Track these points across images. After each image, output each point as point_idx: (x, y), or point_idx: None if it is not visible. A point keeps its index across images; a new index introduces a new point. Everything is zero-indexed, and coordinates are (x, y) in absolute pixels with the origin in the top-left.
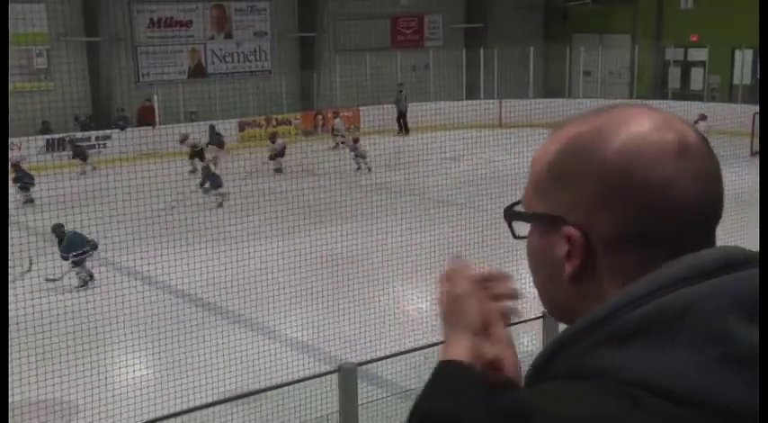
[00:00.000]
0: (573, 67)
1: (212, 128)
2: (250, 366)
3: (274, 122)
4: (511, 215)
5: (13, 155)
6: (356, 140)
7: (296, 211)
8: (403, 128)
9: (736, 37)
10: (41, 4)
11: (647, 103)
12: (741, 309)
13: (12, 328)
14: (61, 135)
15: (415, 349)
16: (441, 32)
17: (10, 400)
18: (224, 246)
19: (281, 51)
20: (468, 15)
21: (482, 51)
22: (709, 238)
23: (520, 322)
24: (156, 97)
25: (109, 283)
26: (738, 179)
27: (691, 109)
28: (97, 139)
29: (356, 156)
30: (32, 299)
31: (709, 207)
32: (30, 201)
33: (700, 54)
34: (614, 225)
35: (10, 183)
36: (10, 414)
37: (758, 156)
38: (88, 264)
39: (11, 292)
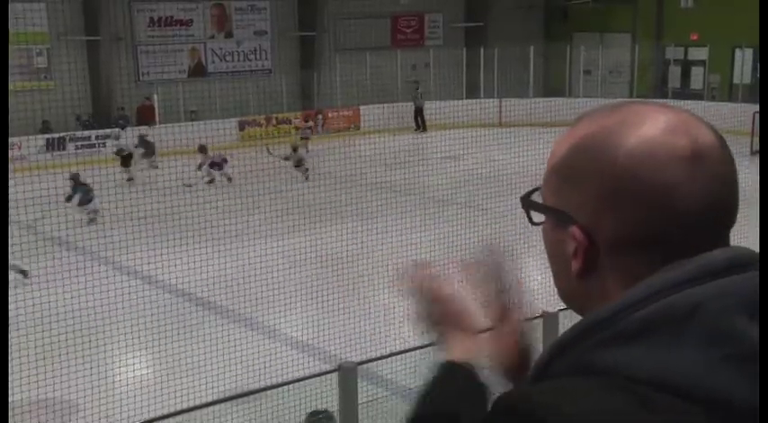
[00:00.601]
0: (573, 66)
1: (141, 137)
2: (250, 365)
3: (274, 121)
4: (528, 203)
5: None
6: (295, 149)
7: (296, 210)
8: (421, 125)
9: (737, 36)
10: (41, 4)
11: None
12: (746, 308)
13: (11, 327)
14: (61, 134)
15: (416, 348)
16: (441, 31)
17: (9, 399)
18: (223, 245)
19: (282, 50)
20: (469, 14)
21: (482, 50)
22: (719, 242)
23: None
24: (156, 96)
25: (108, 282)
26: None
27: (690, 108)
28: (97, 138)
29: (297, 165)
30: (32, 298)
31: (721, 211)
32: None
33: (700, 53)
34: (620, 227)
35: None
36: (9, 414)
37: (758, 155)
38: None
39: (10, 291)
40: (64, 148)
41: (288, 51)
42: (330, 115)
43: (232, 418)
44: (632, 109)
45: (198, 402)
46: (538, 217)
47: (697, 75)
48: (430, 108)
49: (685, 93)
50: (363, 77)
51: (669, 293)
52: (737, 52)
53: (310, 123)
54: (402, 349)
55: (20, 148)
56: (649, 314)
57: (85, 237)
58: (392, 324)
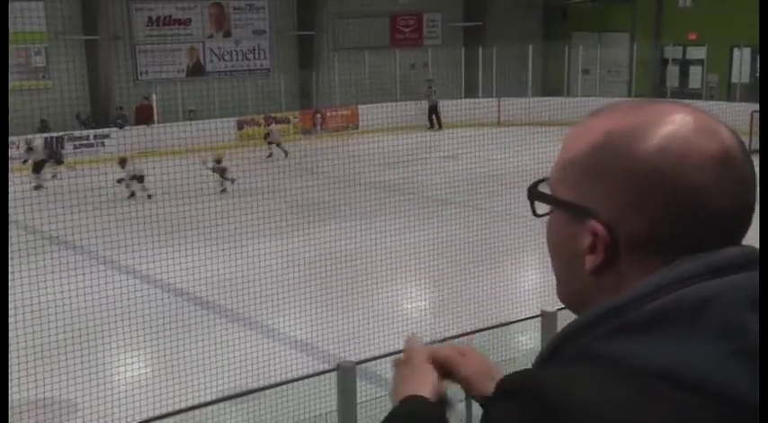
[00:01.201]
0: (572, 65)
1: (47, 140)
2: (248, 365)
3: (273, 121)
4: (536, 195)
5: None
6: (219, 161)
7: (294, 210)
8: (436, 123)
9: (735, 35)
10: (40, 3)
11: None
12: (754, 305)
13: (10, 326)
14: (60, 133)
15: None
16: (439, 31)
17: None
18: (222, 244)
19: (280, 50)
20: (467, 14)
21: (481, 50)
22: (735, 241)
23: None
24: (154, 96)
25: (107, 282)
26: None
27: None
28: (96, 137)
29: (221, 176)
30: (30, 297)
31: (743, 215)
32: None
33: (698, 52)
34: (647, 226)
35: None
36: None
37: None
38: None
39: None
40: (62, 148)
41: (286, 51)
42: (329, 114)
43: (230, 418)
44: (658, 108)
45: (196, 402)
46: (542, 209)
47: (695, 74)
48: (425, 108)
49: (684, 92)
50: (362, 77)
51: (681, 286)
52: (736, 52)
53: (272, 127)
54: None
55: (18, 147)
56: (660, 306)
57: (84, 236)
58: (391, 323)
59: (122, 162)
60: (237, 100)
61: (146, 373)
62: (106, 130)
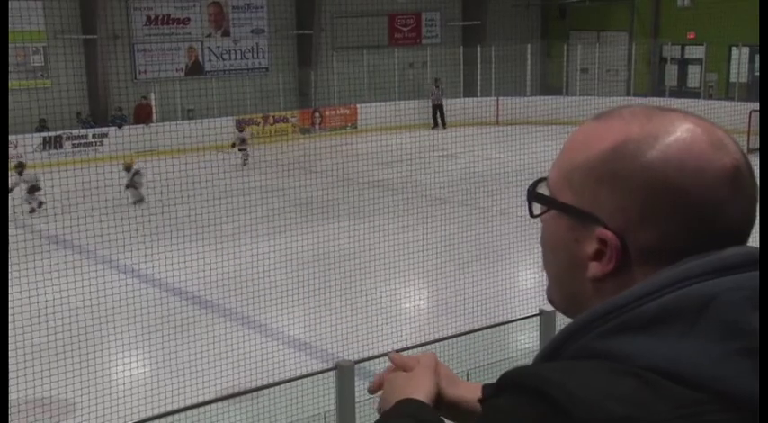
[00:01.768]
0: (570, 64)
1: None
2: (247, 364)
3: (271, 120)
4: (536, 197)
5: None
6: (128, 168)
7: (292, 209)
8: (440, 122)
9: (733, 34)
10: (38, 2)
11: (645, 100)
12: (756, 304)
13: (9, 325)
14: (58, 132)
15: (412, 347)
16: (438, 30)
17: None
18: (220, 243)
19: (279, 49)
20: (466, 13)
21: (479, 49)
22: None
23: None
24: (153, 95)
25: (105, 281)
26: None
27: (688, 106)
28: (94, 136)
29: (129, 185)
30: (29, 297)
31: (747, 225)
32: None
33: (697, 52)
34: (657, 238)
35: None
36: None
37: (755, 153)
38: None
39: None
40: (61, 147)
41: (285, 49)
42: (327, 113)
43: (229, 417)
44: (668, 117)
45: (194, 401)
46: (539, 209)
47: (694, 73)
48: (427, 107)
49: (682, 91)
50: (361, 76)
51: (684, 285)
52: (734, 51)
53: (246, 134)
54: (400, 348)
55: (16, 146)
56: (663, 304)
57: (82, 235)
58: (389, 322)
59: (20, 167)
60: (236, 99)
61: (144, 372)
62: (105, 130)
